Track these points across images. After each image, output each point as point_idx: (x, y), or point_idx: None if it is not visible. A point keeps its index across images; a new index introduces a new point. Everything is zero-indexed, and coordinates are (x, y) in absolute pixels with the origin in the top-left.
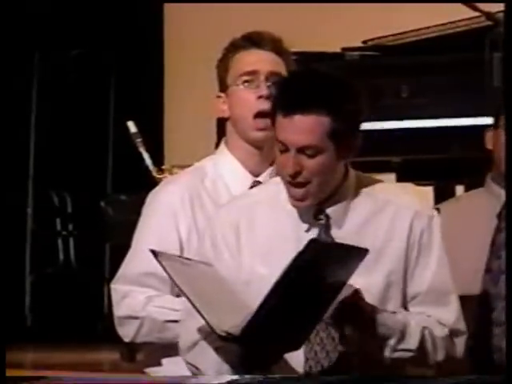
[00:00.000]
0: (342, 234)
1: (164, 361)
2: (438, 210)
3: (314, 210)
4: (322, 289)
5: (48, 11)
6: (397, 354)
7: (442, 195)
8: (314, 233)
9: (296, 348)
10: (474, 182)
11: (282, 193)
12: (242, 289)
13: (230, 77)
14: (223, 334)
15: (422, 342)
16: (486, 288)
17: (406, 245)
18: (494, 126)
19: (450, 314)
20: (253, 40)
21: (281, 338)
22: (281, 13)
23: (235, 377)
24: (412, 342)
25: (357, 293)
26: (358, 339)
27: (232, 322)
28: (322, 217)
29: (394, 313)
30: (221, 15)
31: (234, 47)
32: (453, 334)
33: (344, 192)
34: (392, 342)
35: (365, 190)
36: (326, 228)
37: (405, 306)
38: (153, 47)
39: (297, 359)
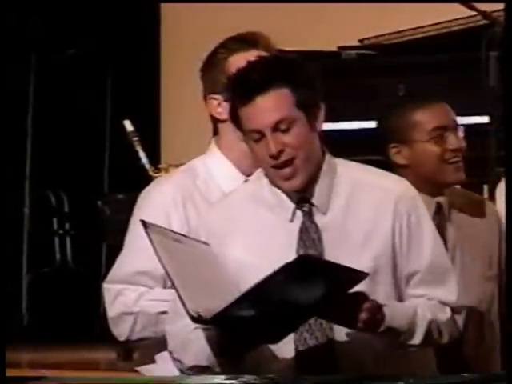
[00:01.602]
0: (326, 219)
1: (157, 357)
2: None
3: (297, 199)
4: (306, 300)
5: (44, 11)
6: (402, 350)
7: None
8: (298, 221)
9: (272, 342)
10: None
11: (264, 186)
12: (231, 278)
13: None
14: (194, 315)
15: (428, 335)
16: None
17: (393, 228)
18: (403, 142)
19: (451, 291)
20: (248, 41)
21: (254, 332)
22: (277, 12)
23: (223, 377)
24: (418, 337)
25: (364, 298)
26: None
27: (206, 305)
28: (305, 204)
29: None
30: (217, 15)
31: (228, 49)
32: (456, 311)
33: (324, 177)
34: (400, 339)
35: (346, 174)
36: (310, 215)
37: (399, 290)
38: (149, 46)
39: (287, 346)
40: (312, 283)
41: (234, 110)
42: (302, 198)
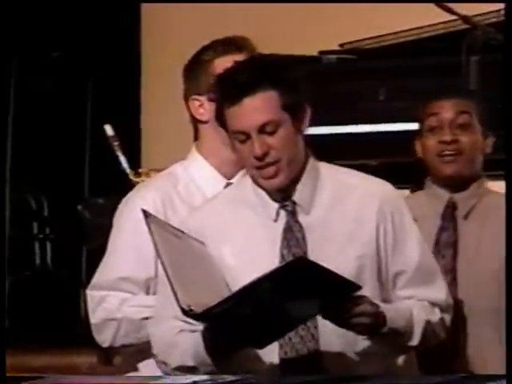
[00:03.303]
0: (309, 219)
1: (140, 365)
2: None
3: (280, 198)
4: (297, 305)
5: (26, 13)
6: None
7: None
8: (282, 221)
9: (258, 347)
10: None
11: (247, 187)
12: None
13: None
14: (185, 308)
15: (424, 336)
16: None
17: (377, 227)
18: (419, 134)
19: (439, 291)
20: (235, 44)
21: (242, 334)
22: (258, 16)
23: (204, 377)
24: (416, 339)
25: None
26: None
27: (198, 300)
28: (288, 203)
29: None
30: (199, 17)
31: (214, 51)
32: (444, 310)
33: (308, 177)
34: (399, 341)
35: (329, 176)
36: (293, 214)
37: (385, 291)
38: (130, 50)
39: (271, 345)
40: (303, 289)
41: (219, 110)
42: (286, 197)
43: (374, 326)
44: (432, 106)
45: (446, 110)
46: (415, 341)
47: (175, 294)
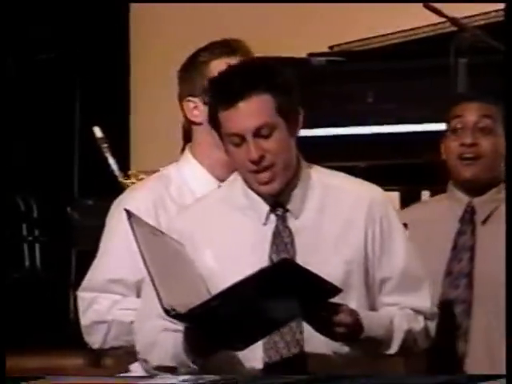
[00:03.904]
0: (299, 224)
1: (132, 367)
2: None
3: (271, 202)
4: (279, 307)
5: (15, 15)
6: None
7: (408, 200)
8: (271, 225)
9: (239, 349)
10: (439, 188)
11: (237, 189)
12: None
13: None
14: (168, 308)
15: (404, 345)
16: (444, 292)
17: (365, 233)
18: (444, 135)
19: (424, 299)
20: (231, 47)
21: (224, 335)
22: (247, 18)
23: (187, 377)
24: (394, 348)
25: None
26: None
27: (180, 300)
28: (279, 208)
29: (378, 314)
30: (188, 18)
31: (210, 53)
32: (429, 318)
33: (299, 182)
34: (376, 349)
35: (319, 180)
36: (283, 219)
37: (372, 297)
38: (119, 51)
39: (256, 350)
40: (286, 290)
41: (213, 113)
42: (276, 201)
43: (351, 333)
44: (456, 109)
45: (470, 113)
46: (393, 350)
47: (158, 295)
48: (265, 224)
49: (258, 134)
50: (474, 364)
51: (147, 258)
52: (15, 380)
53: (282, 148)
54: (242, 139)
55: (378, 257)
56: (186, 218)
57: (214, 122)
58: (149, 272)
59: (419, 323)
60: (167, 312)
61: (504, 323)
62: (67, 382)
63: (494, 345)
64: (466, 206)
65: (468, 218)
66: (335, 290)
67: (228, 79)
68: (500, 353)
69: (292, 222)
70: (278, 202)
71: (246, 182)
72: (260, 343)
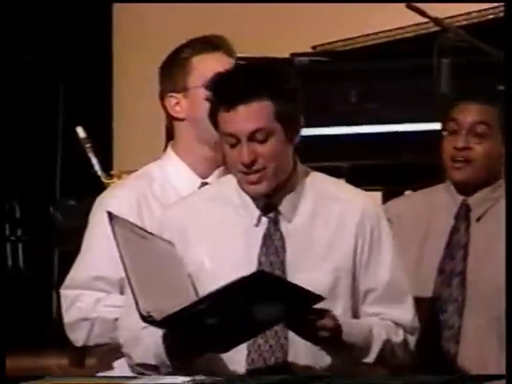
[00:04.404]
0: (291, 228)
1: (115, 364)
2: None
3: (263, 204)
4: (258, 315)
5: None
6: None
7: None
8: (263, 227)
9: (222, 351)
10: (422, 188)
11: (230, 189)
12: (189, 282)
13: (192, 78)
14: (144, 314)
15: (382, 354)
16: (437, 290)
17: (355, 242)
18: (442, 136)
19: (406, 312)
20: (213, 43)
21: (204, 340)
22: (230, 17)
23: (169, 378)
24: (372, 356)
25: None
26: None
27: (159, 306)
28: (271, 210)
29: (359, 323)
30: (171, 18)
31: (192, 49)
32: (409, 332)
33: (293, 185)
34: (354, 356)
35: (313, 185)
36: (275, 222)
37: (356, 306)
38: (102, 52)
39: (240, 353)
40: (265, 299)
41: (214, 111)
42: (269, 204)
43: (330, 338)
44: (453, 111)
45: (465, 117)
46: (371, 358)
47: (135, 300)
48: (256, 225)
49: (252, 137)
50: (466, 363)
51: (127, 262)
52: (15, 380)
53: (275, 153)
54: (237, 141)
55: (365, 267)
56: (180, 211)
57: (214, 119)
58: (128, 278)
59: (399, 336)
60: (143, 318)
61: (496, 322)
62: (67, 382)
63: (486, 344)
64: (461, 204)
65: (463, 215)
66: (317, 298)
67: (233, 80)
68: (491, 352)
69: (284, 226)
70: (271, 205)
71: (238, 181)
72: (244, 346)
